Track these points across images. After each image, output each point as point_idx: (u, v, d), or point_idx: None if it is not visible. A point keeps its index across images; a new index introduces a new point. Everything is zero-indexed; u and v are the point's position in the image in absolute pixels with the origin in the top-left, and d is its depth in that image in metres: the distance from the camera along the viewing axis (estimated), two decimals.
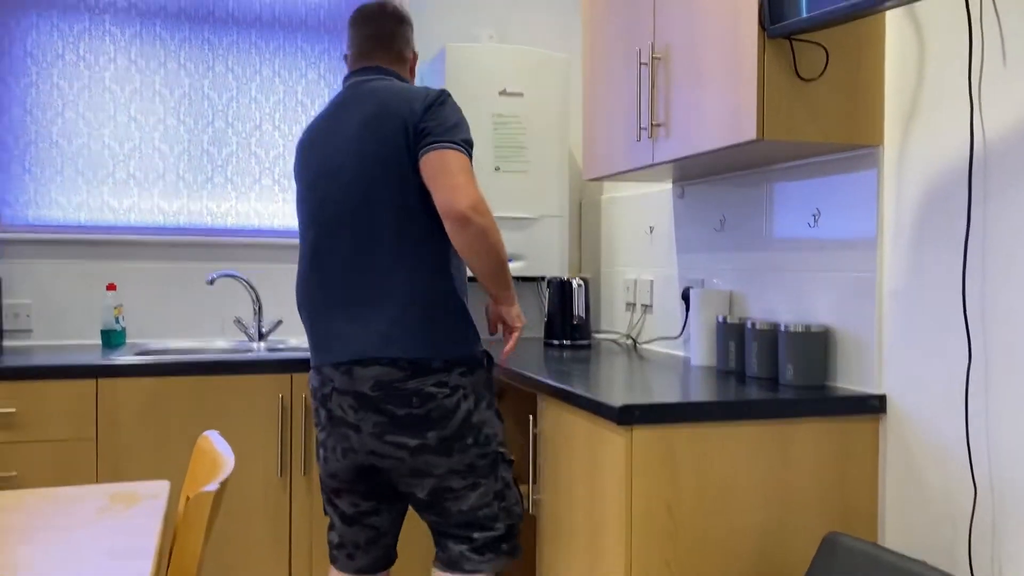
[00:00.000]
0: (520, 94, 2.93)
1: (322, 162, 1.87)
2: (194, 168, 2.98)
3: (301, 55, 3.07)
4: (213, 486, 1.04)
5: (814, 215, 1.99)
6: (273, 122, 3.05)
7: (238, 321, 2.93)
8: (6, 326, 2.79)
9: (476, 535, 1.84)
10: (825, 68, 1.74)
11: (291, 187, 3.07)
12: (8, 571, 1.10)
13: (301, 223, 1.93)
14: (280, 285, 3.04)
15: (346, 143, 1.83)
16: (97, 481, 2.33)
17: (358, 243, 1.80)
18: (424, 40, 3.18)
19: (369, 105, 1.83)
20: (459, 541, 1.85)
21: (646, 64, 2.15)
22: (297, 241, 3.06)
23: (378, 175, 1.78)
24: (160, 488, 1.49)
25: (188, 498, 1.38)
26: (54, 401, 2.30)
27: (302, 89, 3.08)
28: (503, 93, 2.91)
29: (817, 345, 1.91)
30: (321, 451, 1.92)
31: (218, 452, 1.26)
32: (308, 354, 2.54)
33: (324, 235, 1.85)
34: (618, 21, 2.34)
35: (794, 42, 1.73)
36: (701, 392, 1.81)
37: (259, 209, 3.05)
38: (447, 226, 1.74)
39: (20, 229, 2.82)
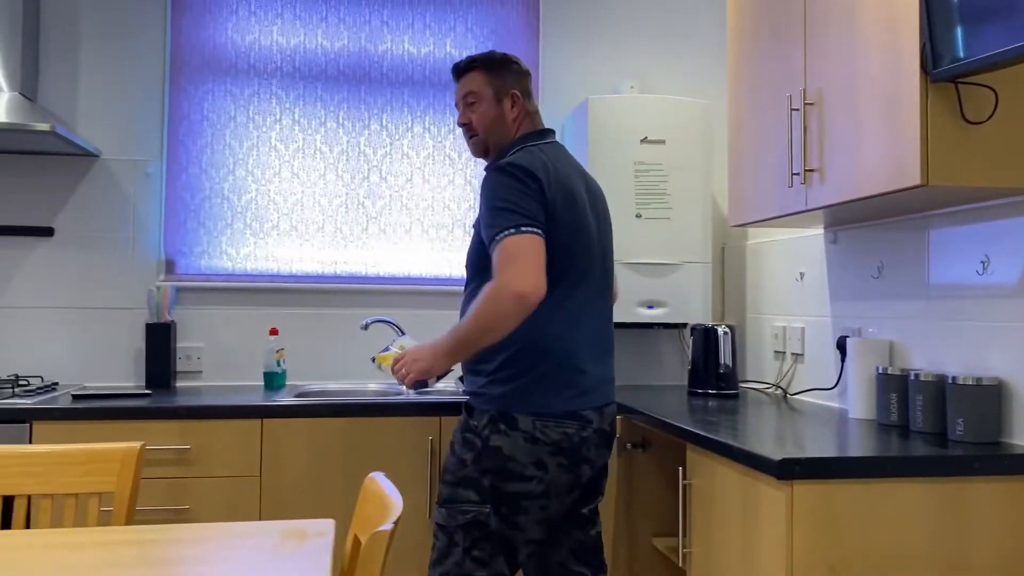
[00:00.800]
0: (662, 141, 2.94)
1: (591, 221, 2.00)
2: (350, 220, 3.15)
3: (449, 112, 3.20)
4: (388, 526, 1.09)
5: (983, 262, 1.90)
6: (423, 176, 3.19)
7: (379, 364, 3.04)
8: (179, 368, 3.01)
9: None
10: (994, 111, 1.67)
11: (438, 237, 3.19)
12: None
13: (572, 269, 1.94)
14: (428, 329, 3.15)
15: (590, 207, 2.01)
16: (260, 515, 2.46)
17: (608, 300, 2.06)
18: (566, 92, 3.26)
19: (586, 179, 2.07)
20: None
21: (797, 109, 2.12)
22: (442, 288, 3.16)
23: (608, 244, 2.07)
24: (327, 526, 1.56)
25: (356, 536, 1.44)
26: (223, 439, 2.45)
27: (449, 144, 3.21)
28: (644, 141, 2.93)
29: (990, 398, 1.80)
30: (542, 500, 1.92)
31: (386, 494, 1.31)
32: (455, 398, 2.61)
33: (594, 289, 1.99)
34: (765, 67, 2.33)
35: (960, 85, 1.67)
36: (863, 446, 1.74)
37: (408, 258, 3.18)
38: None
39: (194, 278, 3.05)
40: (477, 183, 3.22)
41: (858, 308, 2.39)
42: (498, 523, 1.90)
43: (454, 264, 3.21)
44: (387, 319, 3.01)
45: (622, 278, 2.89)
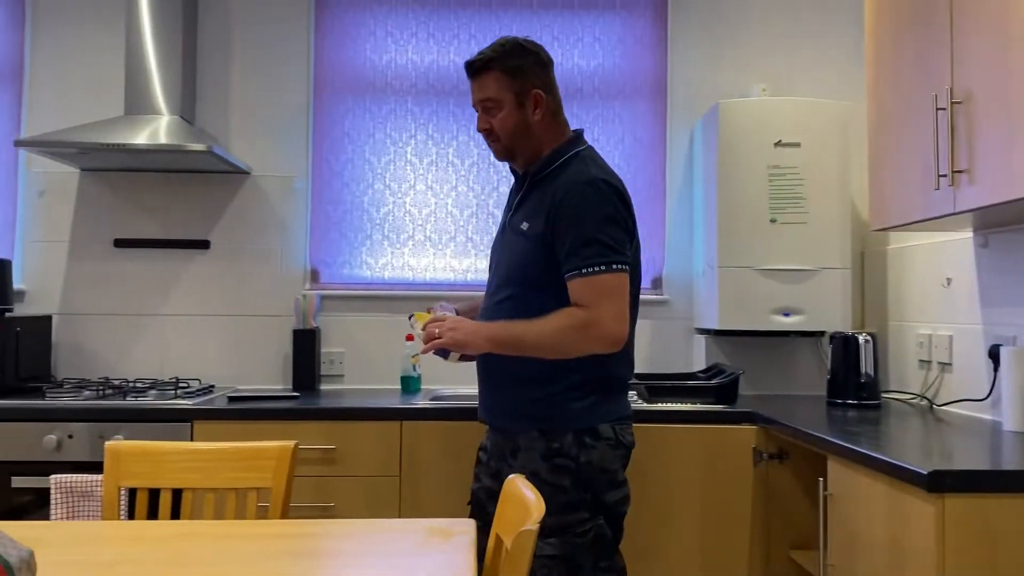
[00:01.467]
0: (797, 144, 2.87)
1: None
2: (480, 229, 3.23)
3: (576, 121, 3.24)
4: (533, 526, 1.12)
5: None
6: None
7: None
8: (323, 371, 3.17)
9: None
10: None
11: None
12: None
13: (636, 285, 1.99)
14: None
15: None
16: (400, 514, 2.56)
17: None
18: (696, 98, 3.23)
19: None
20: None
21: (943, 109, 2.04)
22: None
23: None
24: (469, 526, 1.62)
25: (497, 536, 1.49)
26: (365, 440, 2.57)
27: None
28: (778, 144, 2.87)
29: None
30: (630, 500, 2.00)
31: (526, 496, 1.35)
32: None
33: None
34: (907, 65, 2.25)
35: None
36: (1020, 459, 1.65)
37: None
38: None
39: (336, 286, 3.21)
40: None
41: (1012, 315, 2.26)
42: (612, 532, 1.94)
43: None
44: None
45: (756, 284, 2.84)
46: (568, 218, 1.83)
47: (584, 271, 1.81)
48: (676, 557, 2.54)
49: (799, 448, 2.52)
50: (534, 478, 1.78)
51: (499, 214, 3.23)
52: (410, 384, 3.06)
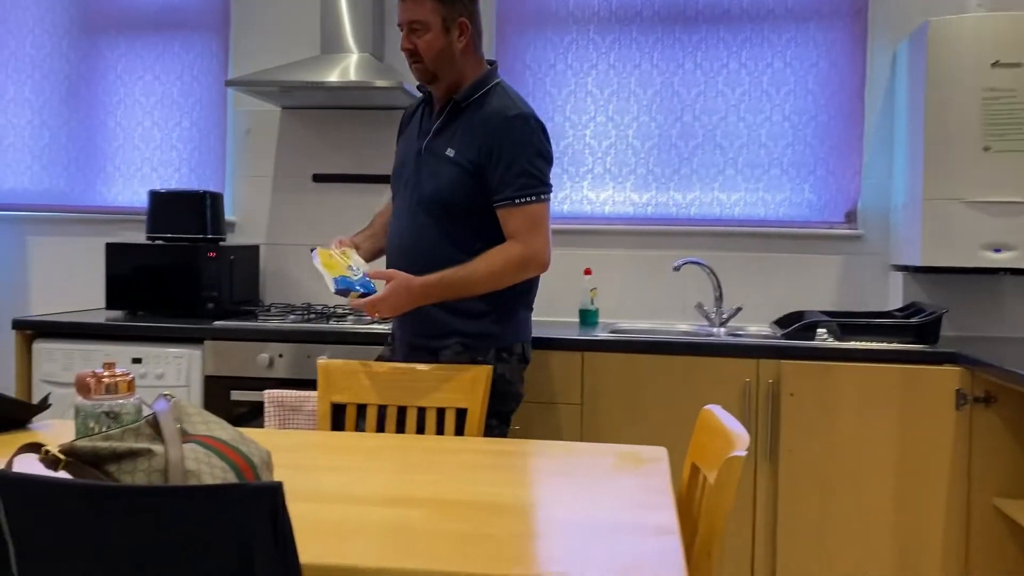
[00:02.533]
0: (1017, 64, 2.61)
1: None
2: (662, 161, 3.17)
3: (767, 45, 3.09)
4: (742, 452, 1.12)
5: None
6: (738, 113, 3.12)
7: (699, 306, 3.05)
8: None
9: None
10: None
11: (752, 176, 3.12)
12: (549, 500, 1.30)
13: None
14: (741, 273, 3.11)
15: None
16: (582, 440, 2.61)
17: None
18: (901, 16, 2.99)
19: None
20: None
21: None
22: (756, 229, 3.10)
23: None
24: (660, 453, 1.64)
25: (693, 464, 1.49)
26: (548, 369, 2.63)
27: (767, 79, 3.10)
28: (996, 65, 2.62)
29: None
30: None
31: (727, 426, 1.34)
32: (774, 342, 2.57)
33: None
34: None
35: None
36: None
37: (722, 199, 3.14)
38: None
39: None
40: (796, 119, 3.09)
41: None
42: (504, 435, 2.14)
43: (770, 205, 3.12)
44: (699, 260, 3.02)
45: (964, 218, 2.64)
46: (502, 150, 1.96)
47: (517, 201, 1.96)
48: (869, 500, 2.45)
49: (1010, 392, 2.35)
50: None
51: (683, 145, 3.16)
52: (588, 317, 3.09)
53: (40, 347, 2.81)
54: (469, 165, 1.99)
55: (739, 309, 3.03)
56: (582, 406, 2.62)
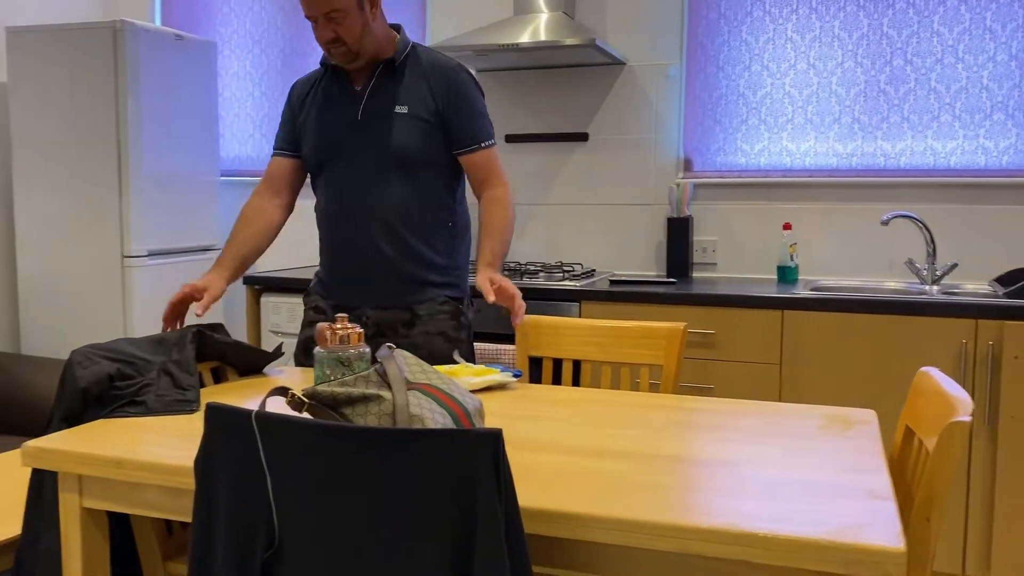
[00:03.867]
0: None
1: None
2: (869, 109, 2.99)
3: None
4: (966, 417, 1.07)
5: None
6: (956, 54, 2.88)
7: (910, 263, 2.87)
8: (696, 259, 3.21)
9: None
10: None
11: (972, 122, 2.87)
12: (754, 458, 1.29)
13: None
14: (956, 227, 2.89)
15: None
16: (781, 401, 2.56)
17: None
18: None
19: None
20: None
21: None
22: (975, 179, 2.86)
23: None
24: (870, 416, 1.58)
25: (907, 427, 1.43)
26: (744, 327, 2.58)
27: (991, 15, 2.83)
28: None
29: None
30: None
31: (947, 390, 1.28)
32: (992, 301, 2.38)
33: None
34: None
35: None
36: None
37: (936, 147, 2.92)
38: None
39: (710, 174, 3.20)
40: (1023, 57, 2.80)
41: None
42: None
43: (991, 153, 2.87)
44: (909, 214, 2.83)
45: None
46: (459, 98, 2.00)
47: (483, 144, 2.03)
48: None
49: None
50: (440, 338, 2.02)
51: (892, 91, 2.96)
52: (787, 273, 2.99)
53: (267, 301, 3.10)
54: (431, 117, 1.99)
55: (954, 266, 2.82)
56: (780, 366, 2.55)
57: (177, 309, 1.91)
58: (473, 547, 0.99)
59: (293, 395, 1.21)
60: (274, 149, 2.15)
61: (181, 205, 3.44)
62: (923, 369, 1.43)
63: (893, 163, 2.97)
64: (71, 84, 3.21)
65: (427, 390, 1.28)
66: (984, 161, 2.88)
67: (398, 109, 2.01)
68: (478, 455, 0.98)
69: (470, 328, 2.12)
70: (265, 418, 1.07)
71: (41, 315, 3.35)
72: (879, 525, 1.03)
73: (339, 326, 1.54)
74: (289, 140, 2.13)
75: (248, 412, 1.08)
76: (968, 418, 1.07)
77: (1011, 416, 2.31)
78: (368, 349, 1.58)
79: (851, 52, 2.99)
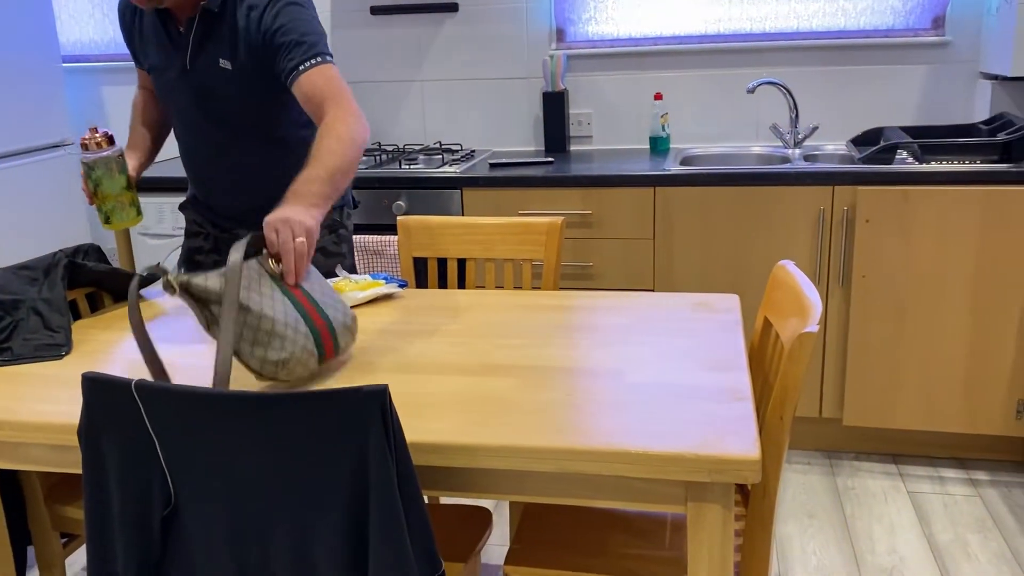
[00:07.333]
0: None
1: None
2: None
3: None
4: (813, 328, 1.16)
5: None
6: None
7: (774, 127, 2.98)
8: (572, 133, 3.23)
9: None
10: None
11: None
12: (629, 363, 1.38)
13: None
14: (817, 90, 3.00)
15: None
16: (654, 276, 2.68)
17: None
18: None
19: None
20: None
21: None
22: (836, 41, 2.94)
23: None
24: (733, 303, 1.69)
25: (766, 318, 1.55)
26: (620, 205, 2.65)
27: None
28: None
29: None
30: None
31: (802, 290, 1.37)
32: (849, 167, 2.52)
33: None
34: None
35: None
36: None
37: (799, 10, 2.97)
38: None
39: (582, 45, 3.16)
40: None
41: None
42: None
43: (850, 14, 2.94)
44: (775, 80, 2.91)
45: None
46: (277, 32, 1.76)
47: (314, 61, 1.74)
48: (942, 325, 2.49)
49: None
50: (320, 252, 1.96)
51: None
52: (659, 144, 3.06)
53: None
54: (252, 71, 1.83)
55: (815, 128, 2.94)
56: (654, 241, 2.66)
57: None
58: (367, 498, 1.04)
59: (169, 281, 1.23)
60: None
61: (19, 99, 3.17)
62: (780, 263, 1.53)
63: (759, 27, 3.02)
64: None
65: (301, 302, 1.33)
66: (843, 22, 2.96)
67: (222, 63, 1.83)
68: (367, 413, 1.02)
69: (351, 240, 2.10)
70: (146, 388, 1.07)
71: None
72: (739, 433, 1.13)
73: (87, 136, 1.76)
74: (137, 58, 1.99)
75: (128, 382, 1.07)
76: (815, 328, 1.17)
77: (862, 275, 2.50)
78: (119, 148, 1.79)
79: None
